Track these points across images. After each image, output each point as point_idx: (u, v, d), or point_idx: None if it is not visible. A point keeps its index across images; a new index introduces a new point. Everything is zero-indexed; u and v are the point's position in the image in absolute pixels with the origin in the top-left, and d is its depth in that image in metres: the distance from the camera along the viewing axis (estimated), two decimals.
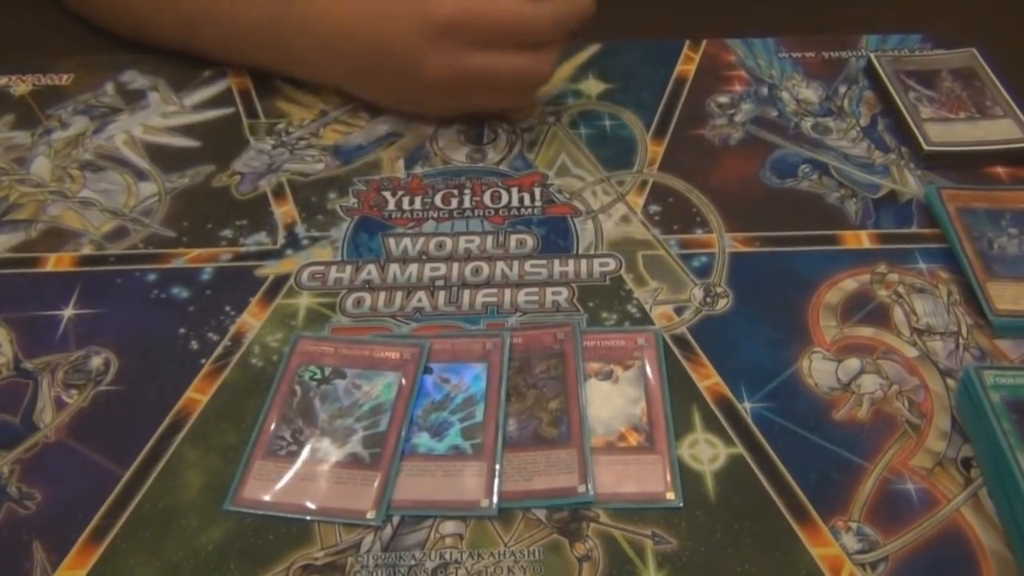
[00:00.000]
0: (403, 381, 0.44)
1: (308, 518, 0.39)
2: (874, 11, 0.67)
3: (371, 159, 0.57)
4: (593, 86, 0.62)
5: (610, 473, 0.41)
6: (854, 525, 0.39)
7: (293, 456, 0.41)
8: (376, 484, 0.40)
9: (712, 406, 0.43)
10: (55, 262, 0.51)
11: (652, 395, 0.44)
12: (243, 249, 0.51)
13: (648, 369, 0.45)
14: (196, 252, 0.51)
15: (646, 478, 0.41)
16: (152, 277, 0.50)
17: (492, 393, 0.44)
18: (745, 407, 0.43)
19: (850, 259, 0.50)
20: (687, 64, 0.64)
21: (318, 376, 0.45)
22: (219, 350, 0.46)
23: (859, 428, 0.43)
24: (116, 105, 0.61)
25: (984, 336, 0.46)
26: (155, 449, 0.42)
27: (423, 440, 0.42)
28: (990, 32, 0.63)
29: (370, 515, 0.39)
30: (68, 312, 0.48)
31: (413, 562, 0.38)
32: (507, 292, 0.49)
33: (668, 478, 0.40)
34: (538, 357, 0.45)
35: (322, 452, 0.42)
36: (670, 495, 0.40)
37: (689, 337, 0.46)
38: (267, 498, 0.40)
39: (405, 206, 0.54)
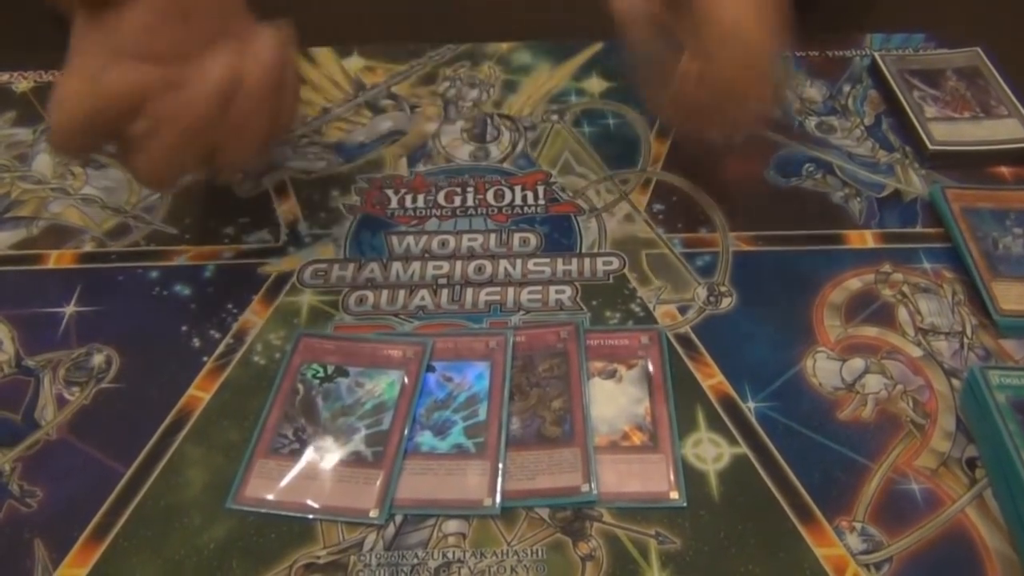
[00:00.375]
0: (406, 379, 0.44)
1: (310, 517, 0.39)
2: (878, 10, 0.67)
3: (373, 157, 0.57)
4: (596, 84, 0.62)
5: (614, 472, 0.41)
6: (858, 525, 0.39)
7: (295, 454, 0.41)
8: (379, 483, 0.40)
9: (716, 405, 0.43)
10: (57, 259, 0.51)
11: (656, 394, 0.43)
12: (245, 247, 0.51)
13: (652, 368, 0.45)
14: (198, 249, 0.51)
15: (650, 477, 0.41)
16: (154, 274, 0.50)
17: (495, 392, 0.43)
18: (749, 406, 0.43)
19: (854, 259, 0.50)
20: None
21: (320, 374, 0.44)
22: (221, 348, 0.46)
23: (863, 428, 0.42)
24: None
25: (989, 336, 0.46)
26: (157, 447, 0.42)
27: (426, 439, 0.42)
28: (995, 31, 0.62)
29: (373, 514, 0.39)
30: (70, 309, 0.48)
31: (416, 561, 0.38)
32: (510, 290, 0.49)
33: (672, 477, 0.40)
34: (541, 356, 0.45)
35: (324, 450, 0.41)
36: (674, 495, 0.40)
37: (693, 336, 0.46)
38: (269, 496, 0.40)
39: (408, 204, 0.54)
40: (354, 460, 0.41)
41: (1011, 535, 0.38)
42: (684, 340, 0.46)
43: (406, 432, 0.42)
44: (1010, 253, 0.49)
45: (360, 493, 0.40)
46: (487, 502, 0.40)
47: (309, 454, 0.41)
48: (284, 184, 0.55)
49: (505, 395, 0.43)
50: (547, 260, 0.50)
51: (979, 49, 0.61)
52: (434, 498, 0.40)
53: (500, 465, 0.41)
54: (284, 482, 0.40)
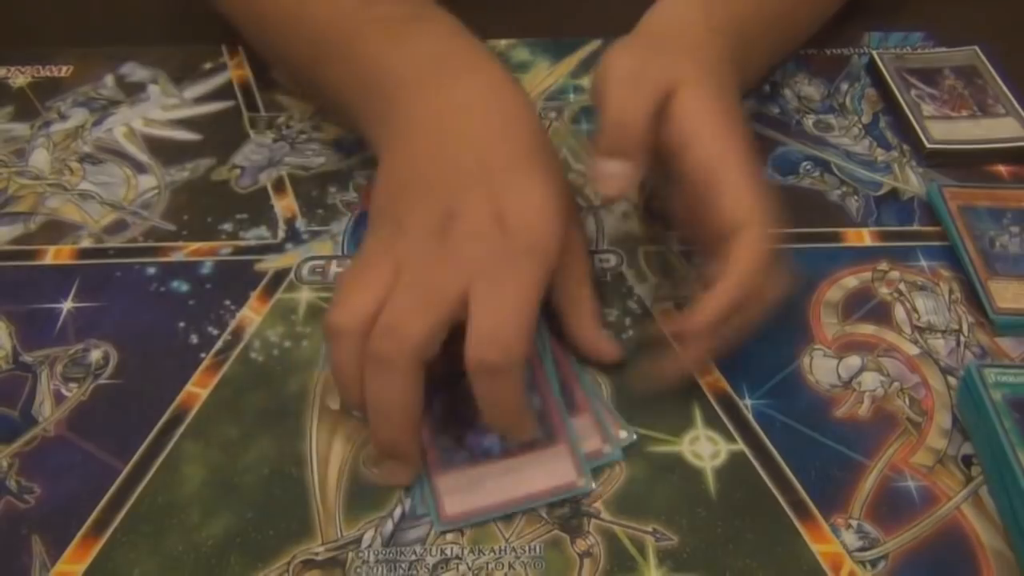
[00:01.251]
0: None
1: (523, 507, 0.39)
2: (876, 8, 0.67)
3: (373, 153, 0.57)
4: None
5: (517, 479, 0.40)
6: (854, 522, 0.39)
7: (476, 459, 0.41)
8: (567, 453, 0.40)
9: (713, 403, 0.43)
10: (54, 255, 0.51)
11: (540, 385, 0.43)
12: (243, 243, 0.51)
13: (530, 359, 0.43)
14: (196, 246, 0.51)
15: (554, 471, 0.40)
16: (152, 271, 0.50)
17: (539, 378, 0.43)
18: (746, 404, 0.43)
19: (851, 256, 0.50)
20: None
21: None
22: (219, 344, 0.46)
23: (860, 425, 0.43)
24: (116, 97, 0.61)
25: (985, 334, 0.46)
26: (155, 443, 0.42)
27: (492, 443, 0.41)
28: (993, 30, 0.63)
29: (581, 483, 0.40)
30: (67, 305, 0.48)
31: (414, 557, 0.38)
32: None
33: (574, 465, 0.40)
34: None
35: (496, 444, 0.41)
36: (580, 481, 0.40)
37: None
38: (473, 508, 0.39)
39: None
40: (528, 445, 0.41)
41: (1007, 532, 0.38)
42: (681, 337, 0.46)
43: (559, 399, 0.42)
44: (1007, 251, 0.49)
45: (555, 470, 0.40)
46: (580, 483, 0.40)
47: (485, 454, 0.41)
48: (282, 181, 0.55)
49: (551, 377, 0.43)
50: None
51: (977, 48, 0.61)
52: (529, 493, 0.40)
53: (573, 442, 0.41)
54: (480, 488, 0.40)
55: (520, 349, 0.37)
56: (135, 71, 0.62)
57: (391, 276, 0.39)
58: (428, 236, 0.39)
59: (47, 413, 0.43)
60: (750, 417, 0.43)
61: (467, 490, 0.40)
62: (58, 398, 0.44)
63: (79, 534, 0.39)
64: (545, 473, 0.40)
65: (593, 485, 0.40)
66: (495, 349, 0.37)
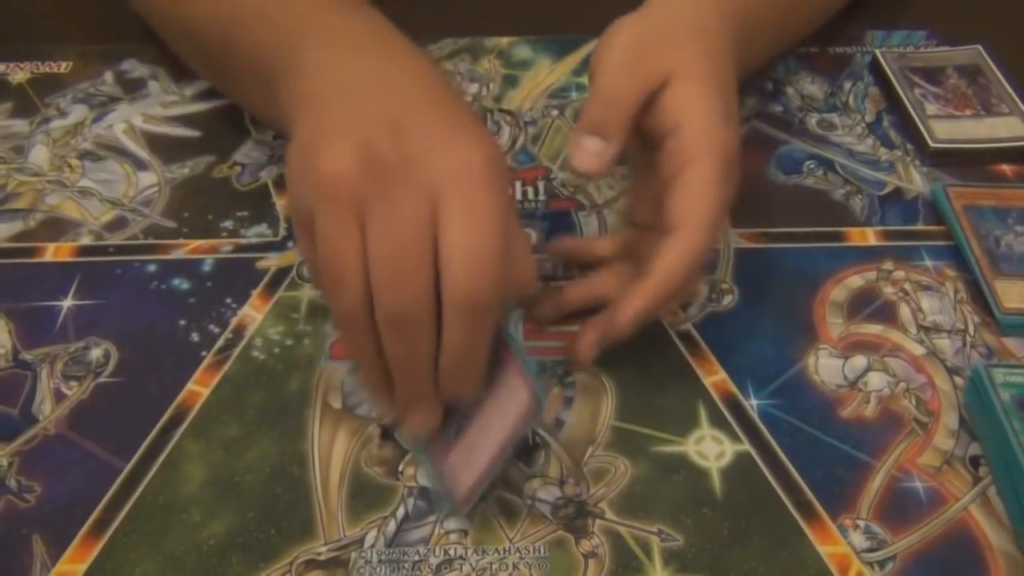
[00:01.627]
0: None
1: (508, 452, 0.38)
2: (879, 7, 0.67)
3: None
4: None
5: (492, 427, 0.38)
6: (862, 523, 0.39)
7: (462, 428, 0.39)
8: (521, 375, 0.38)
9: (718, 403, 0.43)
10: (54, 252, 0.50)
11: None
12: (244, 241, 0.51)
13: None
14: (196, 243, 0.51)
15: (512, 403, 0.38)
16: (152, 268, 0.49)
17: None
18: (752, 404, 0.43)
19: (856, 256, 0.50)
20: None
21: None
22: (220, 342, 0.46)
23: (866, 426, 0.42)
24: (115, 94, 0.60)
25: (991, 334, 0.46)
26: (156, 442, 0.42)
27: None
28: (996, 29, 0.62)
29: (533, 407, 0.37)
30: (67, 303, 0.47)
31: (417, 558, 0.38)
32: None
33: (524, 380, 0.38)
34: None
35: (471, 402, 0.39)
36: (533, 405, 0.38)
37: (695, 333, 0.46)
38: (478, 474, 0.38)
39: None
40: (494, 386, 0.38)
41: (1015, 534, 0.38)
42: (686, 337, 0.46)
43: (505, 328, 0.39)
44: (1012, 251, 0.49)
45: (516, 398, 0.38)
46: (532, 405, 0.37)
47: (465, 417, 0.39)
48: (283, 178, 0.54)
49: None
50: (548, 255, 0.50)
51: (980, 47, 0.61)
52: (505, 437, 0.38)
53: (522, 364, 0.38)
54: (476, 454, 0.38)
55: (503, 279, 0.33)
56: (135, 67, 0.62)
57: (354, 223, 0.33)
58: (375, 152, 0.34)
59: (47, 411, 0.43)
60: (756, 417, 0.43)
61: (466, 462, 0.39)
62: (58, 396, 0.44)
63: (80, 533, 0.39)
64: (507, 411, 0.38)
65: (543, 401, 0.38)
66: (485, 281, 0.33)
